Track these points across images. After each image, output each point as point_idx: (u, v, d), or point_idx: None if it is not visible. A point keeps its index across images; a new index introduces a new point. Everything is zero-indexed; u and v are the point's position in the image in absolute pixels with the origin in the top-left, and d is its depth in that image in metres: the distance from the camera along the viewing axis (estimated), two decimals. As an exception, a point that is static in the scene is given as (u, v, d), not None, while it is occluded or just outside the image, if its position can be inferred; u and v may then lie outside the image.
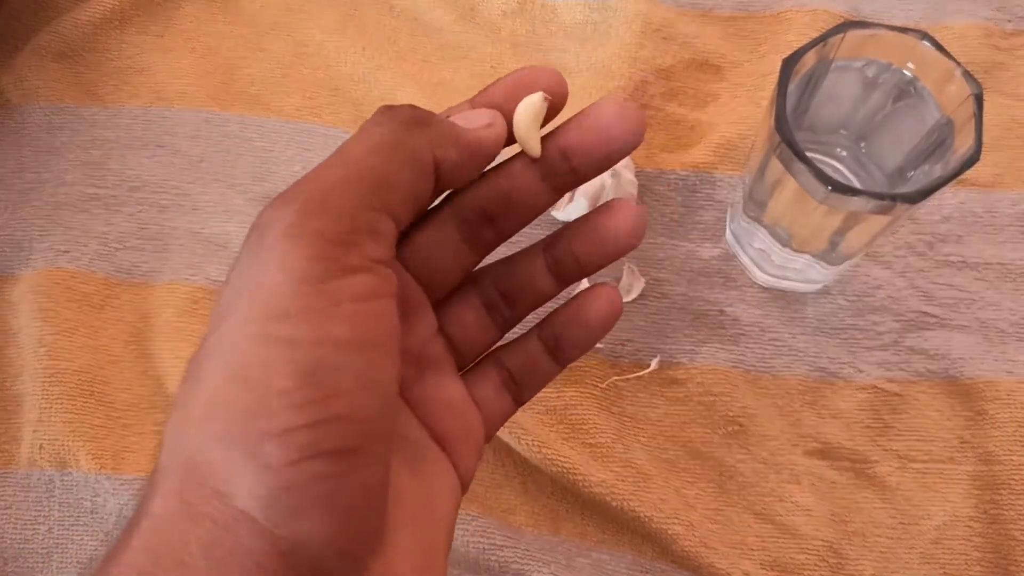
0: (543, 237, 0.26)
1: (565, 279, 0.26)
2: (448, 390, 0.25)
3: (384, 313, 0.19)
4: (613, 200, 0.25)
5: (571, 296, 0.27)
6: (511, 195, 0.24)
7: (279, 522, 0.17)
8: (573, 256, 0.25)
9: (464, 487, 0.25)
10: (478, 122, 0.22)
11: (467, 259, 0.25)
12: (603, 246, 0.25)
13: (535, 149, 0.24)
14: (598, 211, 0.25)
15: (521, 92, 0.23)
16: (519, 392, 0.27)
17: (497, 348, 0.27)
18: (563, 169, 0.24)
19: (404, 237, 0.24)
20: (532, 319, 0.28)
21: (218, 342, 0.18)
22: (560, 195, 0.25)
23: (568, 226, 0.25)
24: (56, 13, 0.46)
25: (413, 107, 0.21)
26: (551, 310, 0.27)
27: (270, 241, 0.18)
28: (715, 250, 0.41)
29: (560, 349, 0.26)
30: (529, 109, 0.23)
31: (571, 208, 0.39)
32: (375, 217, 0.19)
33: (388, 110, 0.21)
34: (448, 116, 0.22)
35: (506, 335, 0.27)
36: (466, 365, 0.27)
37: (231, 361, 0.17)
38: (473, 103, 0.23)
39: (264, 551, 0.17)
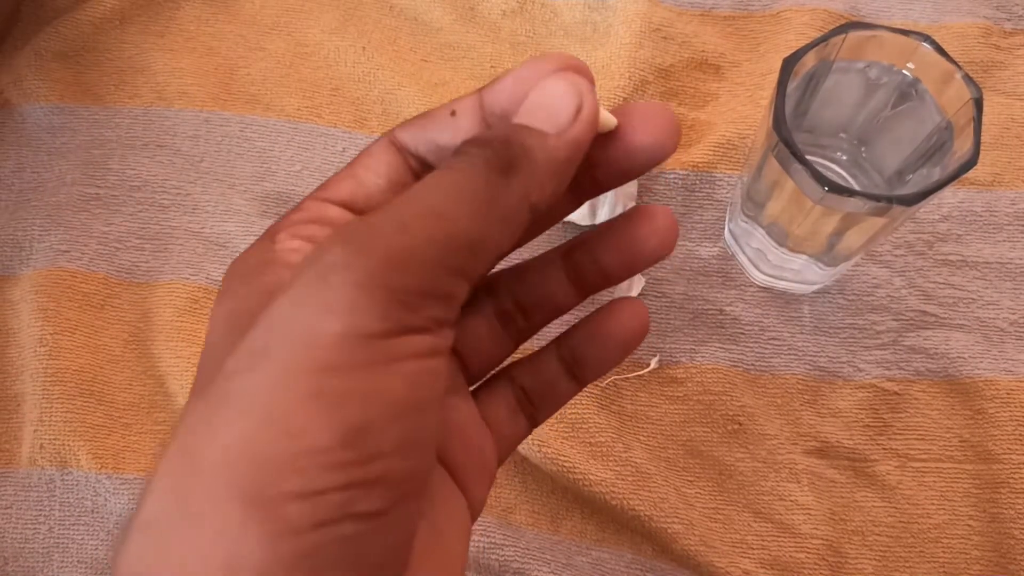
0: (560, 243, 0.24)
1: (587, 290, 0.24)
2: (460, 412, 0.23)
3: (436, 372, 0.17)
4: (644, 205, 0.23)
5: (593, 310, 0.24)
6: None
7: None
8: (598, 266, 0.23)
9: (474, 518, 0.23)
10: (565, 114, 0.18)
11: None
12: (634, 256, 0.23)
13: (611, 124, 0.20)
14: (627, 217, 0.23)
15: (534, 82, 0.20)
16: (534, 413, 0.24)
17: (511, 364, 0.25)
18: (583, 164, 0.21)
19: None
20: (551, 328, 0.25)
21: (254, 382, 0.16)
22: (582, 201, 0.23)
23: (591, 234, 0.23)
24: (56, 13, 0.46)
25: (506, 141, 0.18)
26: (571, 322, 0.25)
27: (338, 286, 0.16)
28: (714, 249, 0.41)
29: (580, 368, 0.24)
30: None
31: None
32: (454, 282, 0.17)
33: (478, 145, 0.18)
34: (523, 108, 0.19)
35: (522, 345, 0.25)
36: (475, 381, 0.24)
37: (269, 406, 0.15)
38: (484, 95, 0.20)
39: None
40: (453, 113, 0.20)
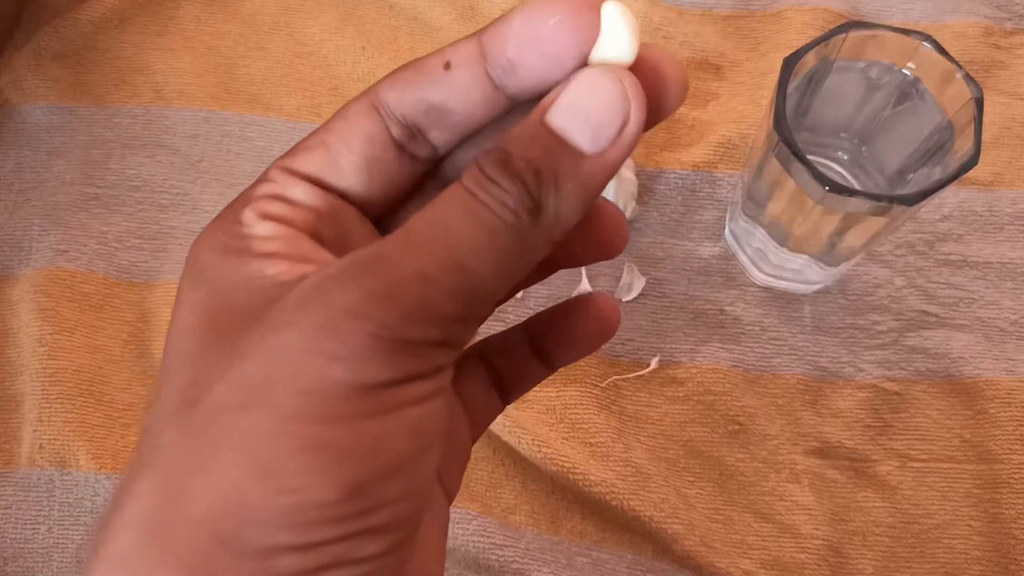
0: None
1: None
2: None
3: (437, 413, 0.16)
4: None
5: (566, 300, 0.24)
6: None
7: None
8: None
9: (450, 501, 0.22)
10: (609, 130, 0.16)
11: None
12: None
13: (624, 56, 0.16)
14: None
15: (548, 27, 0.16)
16: (506, 393, 0.24)
17: (483, 343, 0.24)
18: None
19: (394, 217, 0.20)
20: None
21: (249, 425, 0.15)
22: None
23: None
24: (55, 13, 0.46)
25: (539, 176, 0.16)
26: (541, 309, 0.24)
27: (349, 334, 0.15)
28: (715, 249, 0.41)
29: (548, 358, 0.23)
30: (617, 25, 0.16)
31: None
32: (468, 330, 0.16)
33: (508, 176, 0.15)
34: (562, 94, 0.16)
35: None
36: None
37: (265, 456, 0.14)
38: (484, 41, 0.17)
39: None
40: (448, 65, 0.17)
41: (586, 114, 0.16)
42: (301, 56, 0.46)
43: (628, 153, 0.16)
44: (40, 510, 0.38)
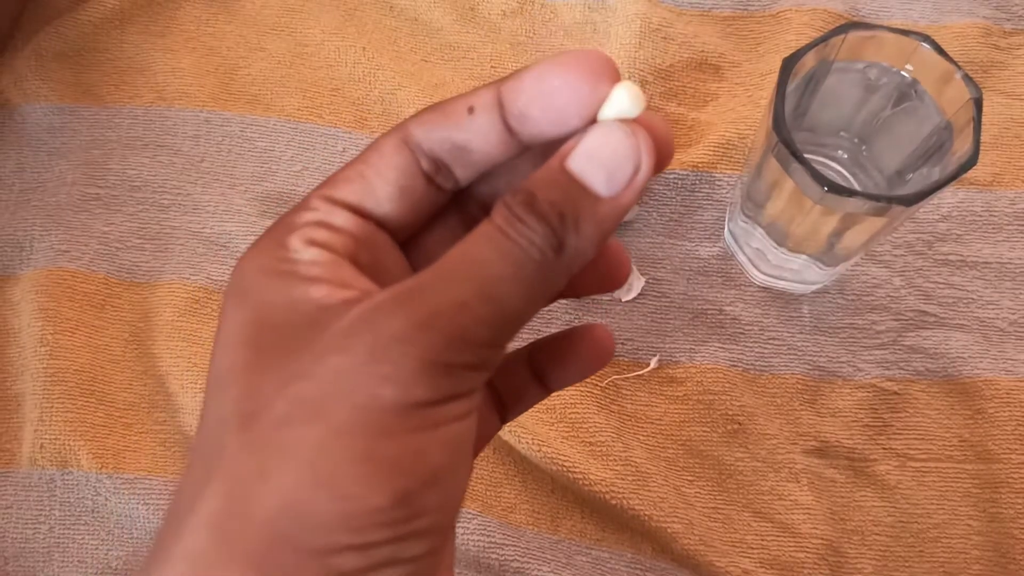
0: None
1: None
2: None
3: (471, 429, 0.19)
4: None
5: (566, 328, 0.26)
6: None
7: None
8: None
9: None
10: (622, 177, 0.18)
11: None
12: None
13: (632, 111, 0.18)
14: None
15: (556, 86, 0.18)
16: (504, 412, 0.26)
17: None
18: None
19: (413, 240, 0.22)
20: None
21: (309, 437, 0.17)
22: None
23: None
24: (56, 13, 0.46)
25: (562, 218, 0.17)
26: (541, 335, 0.26)
27: (397, 358, 0.17)
28: (714, 249, 0.41)
29: (546, 380, 0.25)
30: (622, 106, 0.18)
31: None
32: (497, 353, 0.18)
33: (537, 217, 0.17)
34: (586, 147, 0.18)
35: None
36: None
37: (324, 465, 0.17)
38: (503, 91, 0.19)
39: None
40: (471, 110, 0.19)
41: (602, 161, 0.18)
42: (302, 57, 0.46)
43: (639, 198, 0.18)
44: (41, 510, 0.38)
